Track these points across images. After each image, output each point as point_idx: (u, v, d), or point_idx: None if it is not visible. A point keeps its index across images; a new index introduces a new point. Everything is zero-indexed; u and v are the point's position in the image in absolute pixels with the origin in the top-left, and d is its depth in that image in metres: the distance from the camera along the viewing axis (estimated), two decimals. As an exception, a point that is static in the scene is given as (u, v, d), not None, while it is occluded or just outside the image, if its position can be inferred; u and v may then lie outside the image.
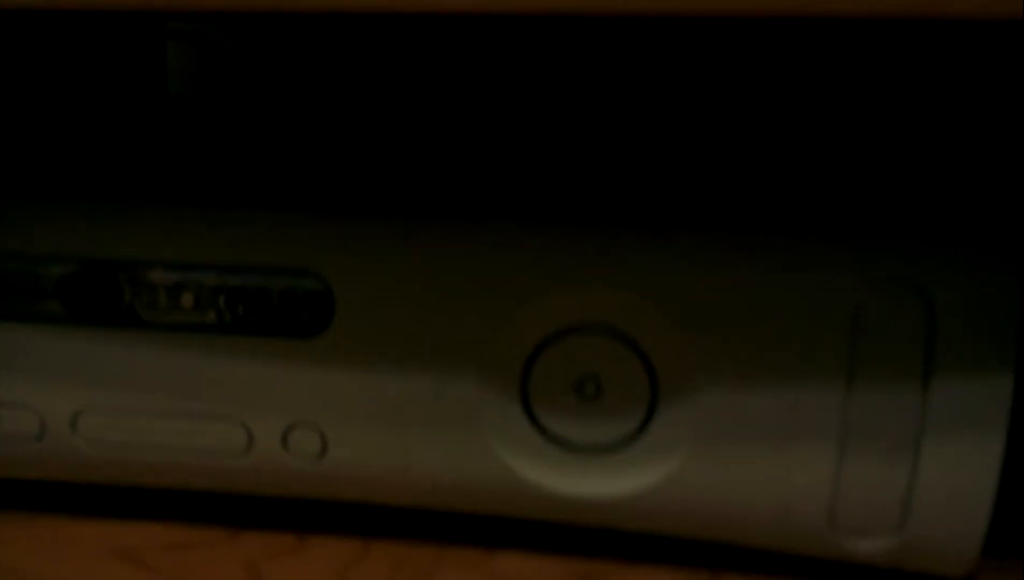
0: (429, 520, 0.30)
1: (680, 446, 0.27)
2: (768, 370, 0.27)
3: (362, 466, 0.29)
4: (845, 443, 0.27)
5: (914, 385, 0.26)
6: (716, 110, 0.32)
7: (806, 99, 0.32)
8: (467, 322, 0.27)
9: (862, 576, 0.28)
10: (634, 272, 0.27)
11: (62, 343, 0.29)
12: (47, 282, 0.29)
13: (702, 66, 0.32)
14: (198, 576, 0.29)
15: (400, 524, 0.30)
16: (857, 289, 0.26)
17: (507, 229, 0.28)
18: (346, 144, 0.32)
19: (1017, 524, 0.30)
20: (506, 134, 0.31)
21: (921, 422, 0.26)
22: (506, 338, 0.27)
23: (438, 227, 0.28)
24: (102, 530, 0.31)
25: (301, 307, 0.28)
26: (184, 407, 0.29)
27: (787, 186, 0.29)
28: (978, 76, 0.31)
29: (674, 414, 0.27)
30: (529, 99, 0.33)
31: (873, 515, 0.27)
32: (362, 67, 0.34)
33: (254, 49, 0.34)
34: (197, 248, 0.28)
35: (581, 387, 0.28)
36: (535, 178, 0.30)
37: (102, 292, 0.28)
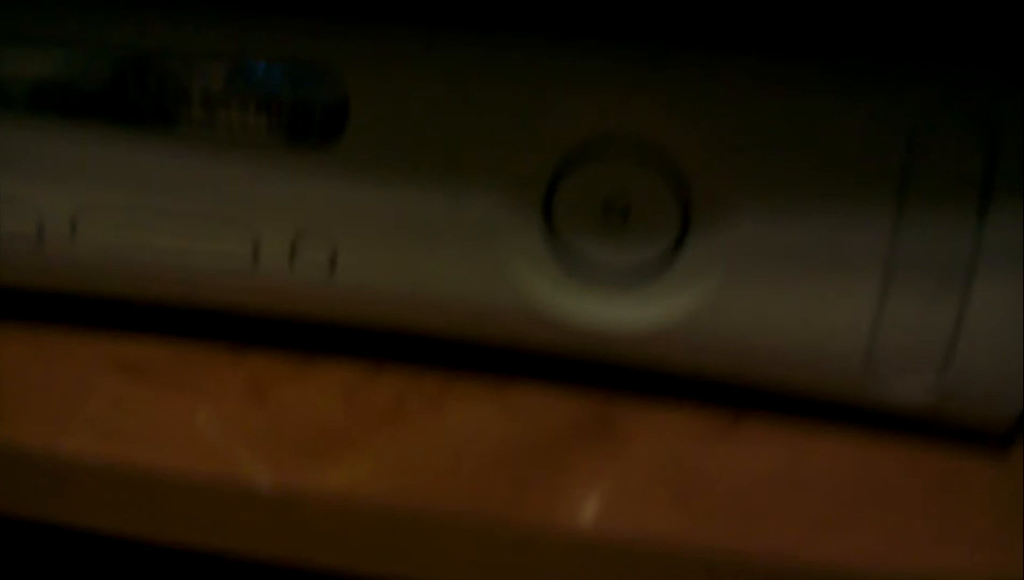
0: (442, 348, 0.29)
1: (711, 276, 0.26)
2: (811, 196, 0.25)
3: (372, 284, 0.27)
4: (890, 278, 0.25)
5: (968, 220, 0.24)
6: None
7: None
8: (489, 134, 0.26)
9: (893, 427, 0.27)
10: (671, 85, 0.25)
11: (62, 137, 0.27)
12: (47, 72, 0.27)
13: None
14: (200, 390, 0.28)
15: (412, 350, 0.29)
16: (914, 114, 0.24)
17: (535, 35, 0.26)
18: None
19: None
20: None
21: (972, 260, 0.24)
22: (530, 152, 0.26)
23: (461, 31, 0.26)
24: (104, 342, 0.30)
25: (314, 110, 0.26)
26: (188, 211, 0.27)
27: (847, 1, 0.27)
28: None
29: (707, 241, 0.26)
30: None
31: (913, 359, 0.26)
32: None
33: None
34: (208, 42, 0.27)
35: (608, 209, 0.26)
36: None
37: (105, 85, 0.27)
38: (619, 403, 0.28)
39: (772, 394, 0.27)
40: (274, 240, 0.27)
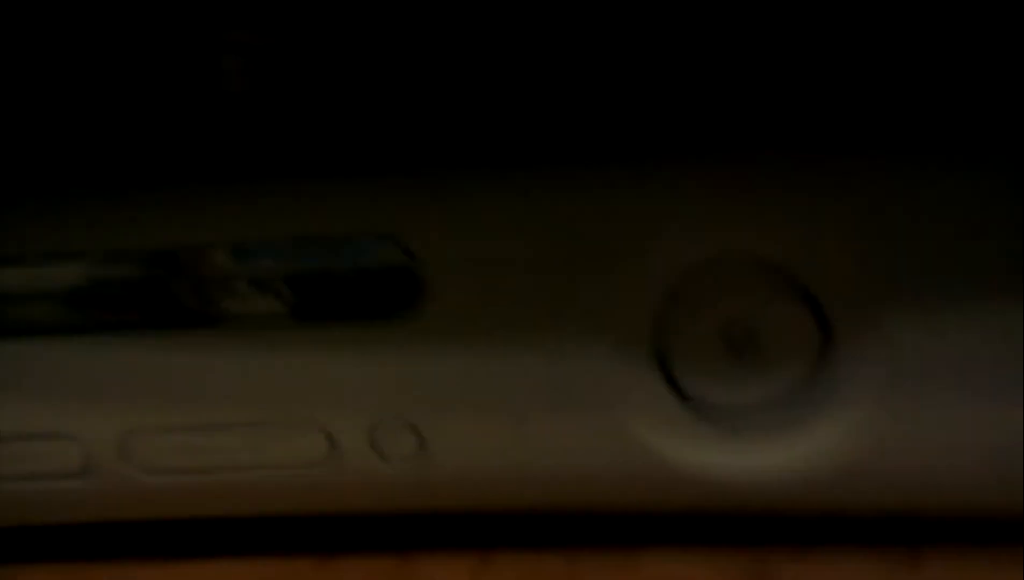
0: (558, 523, 0.25)
1: (864, 404, 0.22)
2: (965, 296, 0.21)
3: (471, 468, 0.24)
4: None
5: None
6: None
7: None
8: (582, 278, 0.22)
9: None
10: (783, 192, 0.22)
11: (96, 354, 0.24)
12: (70, 284, 0.24)
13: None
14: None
15: (523, 531, 0.25)
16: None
17: (622, 162, 0.23)
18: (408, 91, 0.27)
19: None
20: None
21: None
22: (633, 292, 0.22)
23: (534, 173, 0.23)
24: (169, 573, 0.26)
25: (382, 283, 0.23)
26: (249, 418, 0.24)
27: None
28: None
29: (853, 364, 0.22)
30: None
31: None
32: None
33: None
34: (249, 224, 0.24)
35: (731, 341, 0.22)
36: (647, 95, 0.24)
37: (139, 289, 0.24)
38: (775, 559, 0.24)
39: (947, 522, 0.24)
40: (351, 433, 0.24)
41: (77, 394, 0.24)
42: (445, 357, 0.23)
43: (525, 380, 0.23)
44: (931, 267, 0.22)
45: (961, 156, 0.22)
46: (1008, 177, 0.21)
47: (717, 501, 0.23)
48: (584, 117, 0.24)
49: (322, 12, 0.25)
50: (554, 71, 0.24)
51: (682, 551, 0.24)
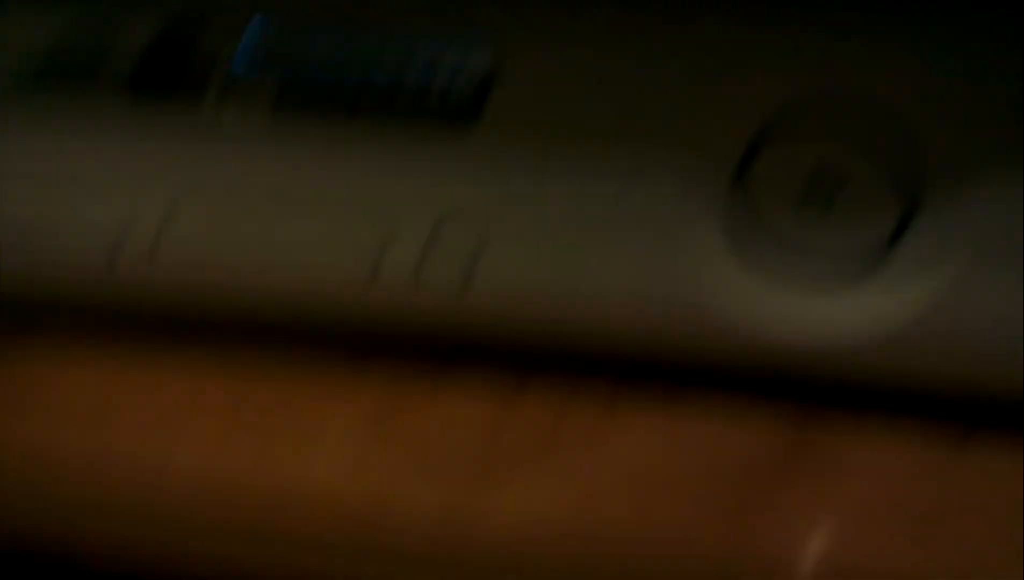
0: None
1: (946, 266, 0.21)
2: None
3: (521, 293, 0.23)
4: None
5: None
6: None
7: None
8: (669, 97, 0.21)
9: None
10: (896, 31, 0.20)
11: (144, 132, 0.23)
12: (117, 50, 0.23)
13: None
14: (305, 432, 0.24)
15: (562, 364, 0.24)
16: None
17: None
18: None
19: None
20: None
21: None
22: (717, 125, 0.21)
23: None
24: (190, 370, 0.25)
25: (456, 83, 0.22)
26: (301, 200, 0.23)
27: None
28: None
29: (941, 222, 0.20)
30: None
31: None
32: None
33: None
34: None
35: (817, 185, 0.21)
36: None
37: (187, 60, 0.22)
38: (816, 425, 0.23)
39: (1004, 407, 0.22)
40: (402, 242, 0.23)
41: (120, 156, 0.23)
42: (511, 165, 0.22)
43: (594, 198, 0.22)
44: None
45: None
46: None
47: (774, 361, 0.22)
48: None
49: None
50: None
51: (722, 403, 0.23)
